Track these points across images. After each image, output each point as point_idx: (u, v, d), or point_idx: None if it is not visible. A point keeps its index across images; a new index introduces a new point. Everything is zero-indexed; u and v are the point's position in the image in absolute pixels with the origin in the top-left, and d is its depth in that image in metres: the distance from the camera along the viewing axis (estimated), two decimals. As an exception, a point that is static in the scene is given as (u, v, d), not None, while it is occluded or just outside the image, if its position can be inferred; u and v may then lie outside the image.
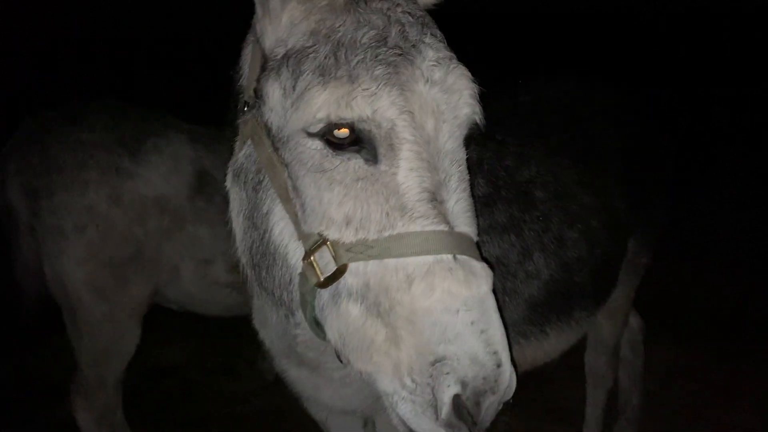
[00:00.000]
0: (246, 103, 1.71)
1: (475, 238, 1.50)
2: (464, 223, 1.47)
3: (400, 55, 1.48)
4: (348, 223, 1.46)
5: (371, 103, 1.43)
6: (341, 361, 1.55)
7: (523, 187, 2.64)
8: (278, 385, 4.82)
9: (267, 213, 1.65)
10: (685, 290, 6.28)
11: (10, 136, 3.45)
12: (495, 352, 1.35)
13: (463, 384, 1.32)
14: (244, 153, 1.74)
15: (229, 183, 1.84)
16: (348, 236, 1.46)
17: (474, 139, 1.64)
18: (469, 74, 1.59)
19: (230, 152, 1.85)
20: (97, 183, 3.28)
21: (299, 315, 1.66)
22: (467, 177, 1.56)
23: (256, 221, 1.70)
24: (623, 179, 3.09)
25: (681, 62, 10.59)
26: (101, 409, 3.45)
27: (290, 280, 1.64)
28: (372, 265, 1.43)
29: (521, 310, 2.58)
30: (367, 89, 1.43)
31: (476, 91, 1.59)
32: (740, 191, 8.56)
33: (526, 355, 2.70)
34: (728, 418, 4.39)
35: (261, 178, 1.67)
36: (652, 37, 10.86)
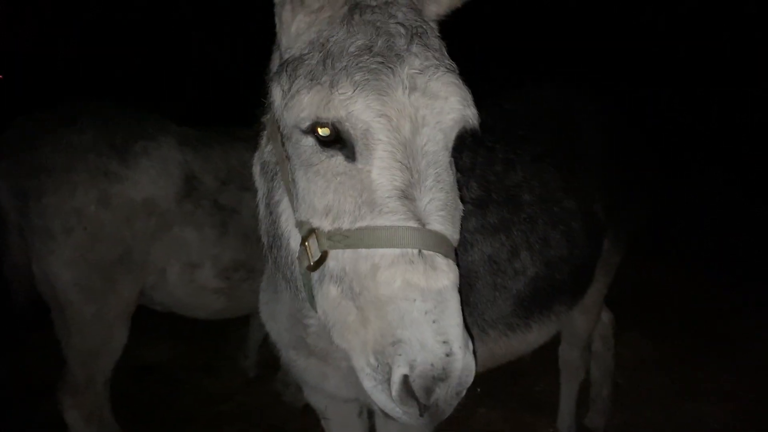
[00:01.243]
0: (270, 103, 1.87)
1: (451, 236, 1.58)
2: (436, 221, 1.54)
3: (381, 63, 1.57)
4: (327, 213, 1.60)
5: (346, 106, 1.54)
6: None
7: (512, 191, 2.80)
8: (260, 382, 4.93)
9: (278, 201, 1.84)
10: (654, 286, 6.44)
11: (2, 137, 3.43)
12: (445, 342, 1.43)
13: (411, 366, 1.43)
14: (268, 148, 1.91)
15: (256, 174, 2.02)
16: (326, 225, 1.60)
17: (466, 145, 1.77)
18: (458, 81, 1.66)
19: (256, 146, 2.03)
20: (85, 185, 3.29)
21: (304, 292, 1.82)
22: (448, 178, 1.62)
23: (271, 208, 1.89)
24: (602, 184, 3.26)
25: (681, 62, 10.73)
26: (90, 407, 3.46)
27: (292, 261, 1.82)
28: (348, 253, 1.56)
29: (509, 305, 2.75)
30: (344, 93, 1.54)
31: (467, 97, 1.66)
32: (718, 189, 8.70)
33: (512, 346, 2.88)
34: (696, 410, 4.54)
35: (277, 170, 1.84)
36: (652, 37, 10.98)
